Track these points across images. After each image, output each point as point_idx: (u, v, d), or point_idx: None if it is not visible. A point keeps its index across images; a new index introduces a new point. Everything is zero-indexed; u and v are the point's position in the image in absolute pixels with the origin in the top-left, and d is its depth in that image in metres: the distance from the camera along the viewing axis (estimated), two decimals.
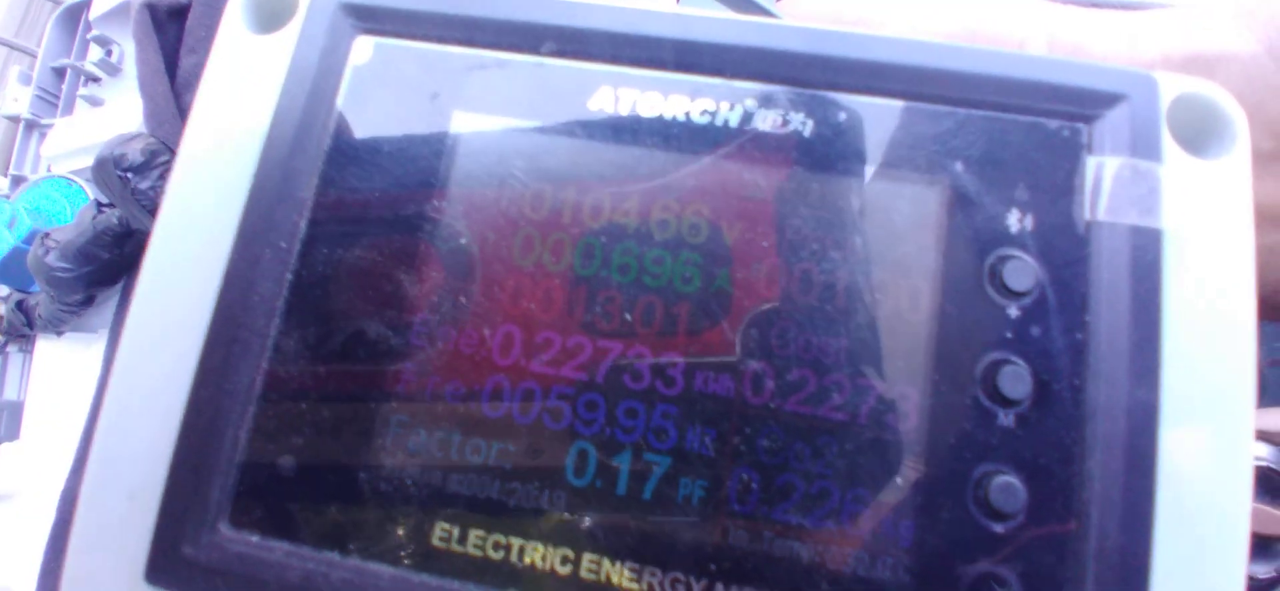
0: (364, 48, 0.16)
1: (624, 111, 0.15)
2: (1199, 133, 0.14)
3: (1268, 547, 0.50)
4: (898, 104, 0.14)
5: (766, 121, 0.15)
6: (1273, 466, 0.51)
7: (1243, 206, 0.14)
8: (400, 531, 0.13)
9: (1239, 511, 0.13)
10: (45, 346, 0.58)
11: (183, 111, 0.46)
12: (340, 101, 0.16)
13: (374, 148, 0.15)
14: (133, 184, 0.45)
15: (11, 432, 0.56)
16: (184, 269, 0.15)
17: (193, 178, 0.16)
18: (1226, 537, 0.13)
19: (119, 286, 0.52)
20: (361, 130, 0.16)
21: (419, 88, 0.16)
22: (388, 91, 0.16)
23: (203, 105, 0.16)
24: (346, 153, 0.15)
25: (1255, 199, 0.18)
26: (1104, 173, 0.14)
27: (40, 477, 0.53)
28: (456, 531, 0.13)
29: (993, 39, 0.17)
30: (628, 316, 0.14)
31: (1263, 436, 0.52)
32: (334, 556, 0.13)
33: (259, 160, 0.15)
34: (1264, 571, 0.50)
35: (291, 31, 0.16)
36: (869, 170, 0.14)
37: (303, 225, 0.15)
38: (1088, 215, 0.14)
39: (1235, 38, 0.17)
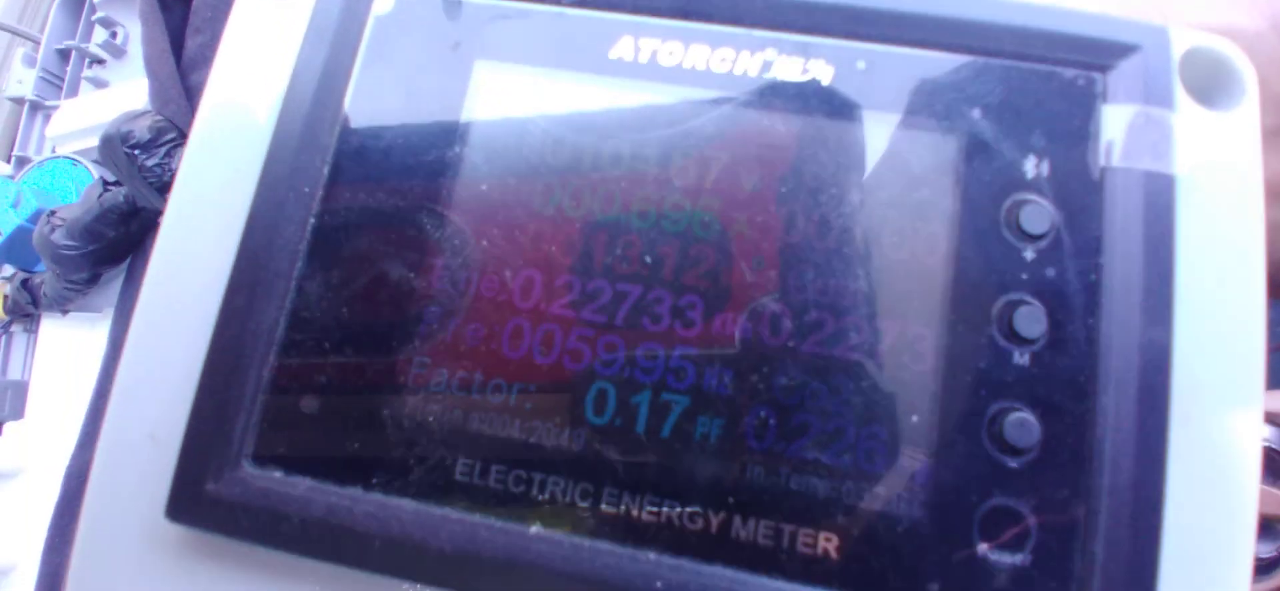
0: None
1: (644, 60, 0.15)
2: (1210, 85, 0.15)
3: (1269, 528, 0.51)
4: (916, 52, 0.14)
5: (785, 70, 0.15)
6: (1275, 447, 0.51)
7: (1252, 156, 0.14)
8: (422, 467, 0.13)
9: (1251, 446, 0.13)
10: (50, 326, 0.58)
11: (189, 91, 0.46)
12: (362, 50, 0.16)
13: (396, 96, 0.15)
14: (139, 160, 0.45)
15: (17, 411, 0.57)
16: (208, 212, 0.15)
17: (217, 124, 0.16)
18: (1238, 470, 0.13)
19: (124, 265, 0.52)
20: (383, 79, 0.16)
21: (441, 37, 0.16)
22: (409, 41, 0.16)
23: (224, 57, 0.17)
24: (368, 99, 0.15)
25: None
26: (1118, 120, 0.14)
27: (45, 455, 0.53)
28: (478, 466, 0.13)
29: None
30: (647, 260, 0.14)
31: (1266, 418, 0.52)
32: (357, 491, 0.13)
33: (282, 107, 0.15)
34: (1266, 551, 0.50)
35: None
36: (887, 117, 0.14)
37: (325, 170, 0.15)
38: (1102, 160, 0.14)
39: (1240, 13, 0.18)
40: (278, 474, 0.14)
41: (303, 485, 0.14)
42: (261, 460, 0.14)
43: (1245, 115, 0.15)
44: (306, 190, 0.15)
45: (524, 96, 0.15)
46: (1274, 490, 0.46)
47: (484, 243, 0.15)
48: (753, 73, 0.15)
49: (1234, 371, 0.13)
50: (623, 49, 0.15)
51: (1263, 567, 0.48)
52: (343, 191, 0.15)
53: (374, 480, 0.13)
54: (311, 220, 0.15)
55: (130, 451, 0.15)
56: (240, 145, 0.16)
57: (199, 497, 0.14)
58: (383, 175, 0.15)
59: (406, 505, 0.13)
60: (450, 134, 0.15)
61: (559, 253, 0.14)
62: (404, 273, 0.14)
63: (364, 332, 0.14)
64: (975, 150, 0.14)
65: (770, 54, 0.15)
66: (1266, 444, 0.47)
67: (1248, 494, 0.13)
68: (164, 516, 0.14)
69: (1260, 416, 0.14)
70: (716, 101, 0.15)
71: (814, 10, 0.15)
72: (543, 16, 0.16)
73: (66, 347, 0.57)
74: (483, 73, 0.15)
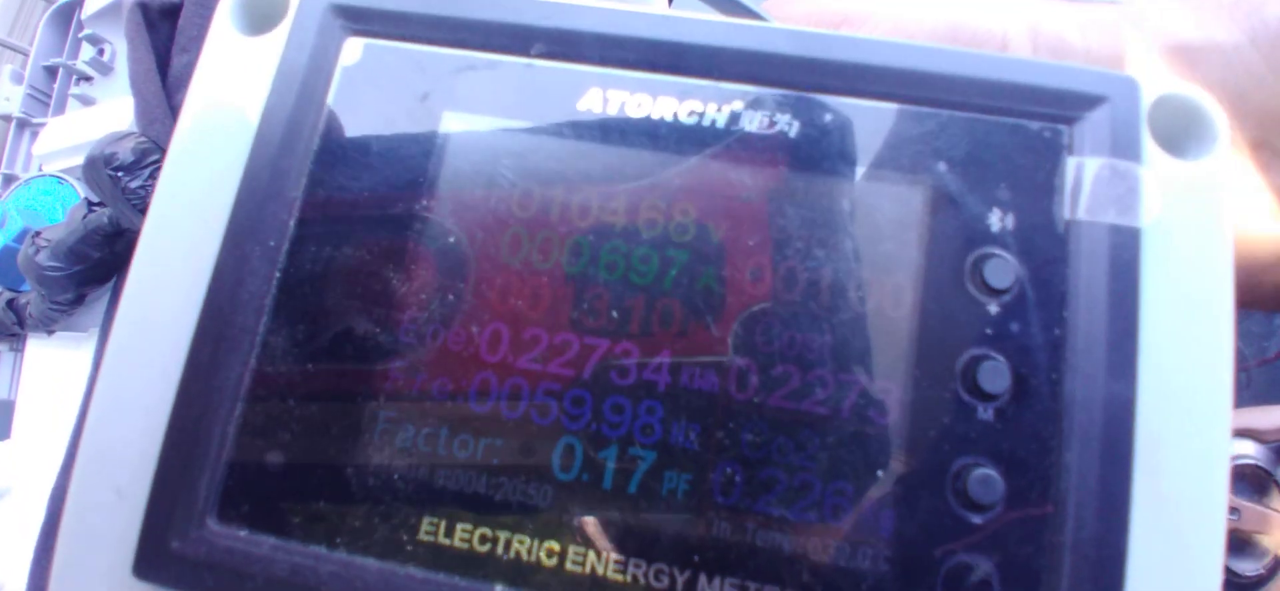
0: (354, 49, 0.16)
1: (613, 112, 0.15)
2: (1180, 133, 0.15)
3: (1255, 545, 0.51)
4: (882, 105, 0.14)
5: (753, 123, 0.15)
6: (1260, 465, 0.51)
7: (1222, 206, 0.14)
8: (387, 525, 0.13)
9: (1216, 502, 0.13)
10: (36, 346, 0.58)
11: (174, 110, 0.46)
12: (330, 101, 0.16)
13: (363, 147, 0.15)
14: (123, 182, 0.45)
15: (3, 432, 0.56)
16: (173, 266, 0.15)
17: (182, 176, 0.16)
18: (1204, 528, 0.13)
19: (109, 285, 0.52)
20: (351, 130, 0.16)
21: (409, 88, 0.16)
22: (377, 92, 0.16)
23: (192, 105, 0.16)
24: (336, 152, 0.15)
25: (1238, 188, 0.18)
26: (1084, 173, 0.14)
27: (31, 476, 0.53)
28: (443, 525, 0.13)
29: (975, 33, 0.17)
30: (614, 314, 0.14)
31: (1251, 434, 0.52)
32: (321, 550, 0.13)
33: (248, 159, 0.15)
34: (1251, 568, 0.50)
35: (281, 33, 0.16)
36: (854, 170, 0.14)
37: (291, 223, 0.15)
38: (1068, 214, 0.14)
39: (1218, 28, 0.18)
40: (242, 532, 0.14)
41: (267, 544, 0.13)
42: (226, 518, 0.14)
43: (1216, 163, 0.15)
44: (272, 244, 0.15)
45: (492, 148, 0.15)
46: (1259, 508, 0.46)
47: (450, 296, 0.14)
48: (720, 125, 0.15)
49: (1199, 425, 0.13)
50: (591, 101, 0.15)
51: (1249, 585, 0.48)
52: (308, 245, 0.15)
53: (338, 539, 0.13)
54: (277, 274, 0.15)
55: (99, 506, 0.15)
56: (206, 196, 0.16)
57: (165, 555, 0.14)
58: (349, 228, 0.15)
59: (370, 564, 0.13)
60: (418, 186, 0.15)
61: (526, 306, 0.14)
62: (370, 327, 0.14)
63: (329, 388, 0.14)
64: (940, 203, 0.14)
65: (737, 106, 0.15)
66: (1252, 461, 0.47)
67: (1212, 548, 0.13)
68: (131, 574, 0.14)
69: (1227, 466, 0.14)
70: (684, 154, 0.15)
71: (781, 63, 0.15)
72: (511, 68, 0.16)
73: (52, 368, 0.57)
74: (451, 123, 0.15)
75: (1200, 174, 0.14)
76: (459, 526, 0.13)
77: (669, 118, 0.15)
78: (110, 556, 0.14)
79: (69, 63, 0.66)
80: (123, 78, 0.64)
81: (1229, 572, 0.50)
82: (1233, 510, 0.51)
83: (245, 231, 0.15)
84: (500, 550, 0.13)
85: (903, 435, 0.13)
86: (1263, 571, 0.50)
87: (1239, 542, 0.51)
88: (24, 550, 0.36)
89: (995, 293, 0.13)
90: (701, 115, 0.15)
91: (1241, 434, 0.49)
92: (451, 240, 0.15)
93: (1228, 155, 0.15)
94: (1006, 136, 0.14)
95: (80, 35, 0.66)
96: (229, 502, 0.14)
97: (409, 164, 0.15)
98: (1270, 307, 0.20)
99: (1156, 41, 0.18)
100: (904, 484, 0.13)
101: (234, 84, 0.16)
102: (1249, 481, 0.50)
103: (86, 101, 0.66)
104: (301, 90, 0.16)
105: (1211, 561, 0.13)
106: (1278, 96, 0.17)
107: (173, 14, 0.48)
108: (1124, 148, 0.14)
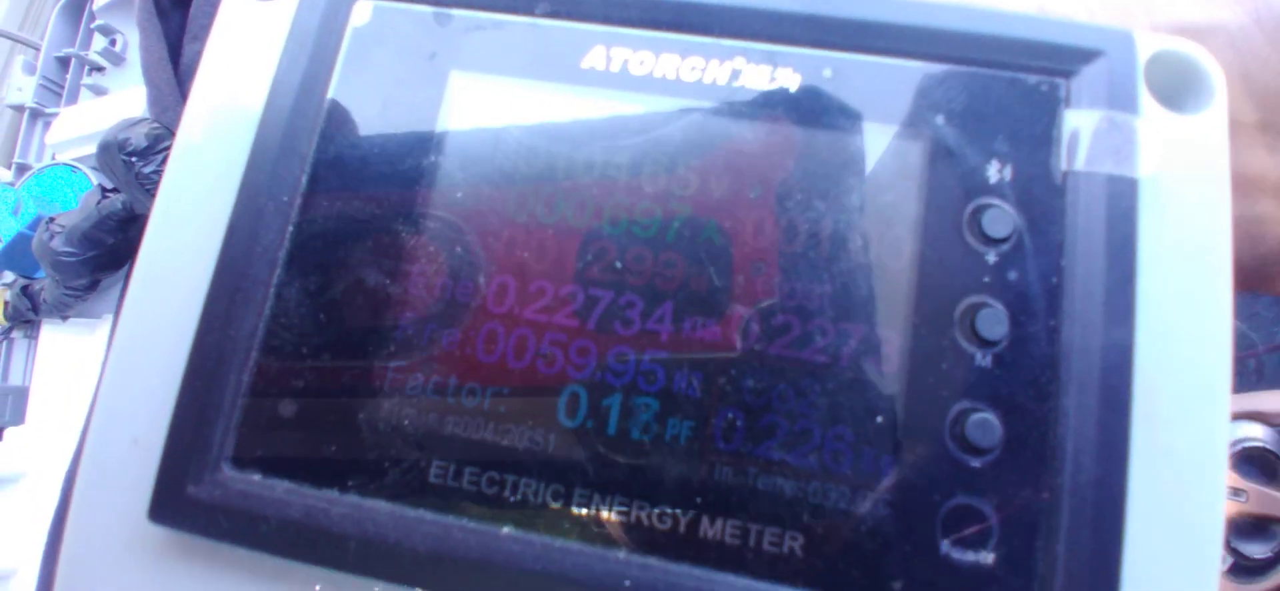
0: (364, 10, 0.16)
1: (616, 69, 0.15)
2: (1176, 88, 0.15)
3: (1265, 528, 0.50)
4: (882, 60, 0.15)
5: (754, 78, 0.15)
6: (1268, 447, 0.51)
7: (1219, 158, 0.14)
8: (397, 469, 0.14)
9: (1217, 445, 0.13)
10: (50, 332, 0.58)
11: (186, 97, 0.47)
12: (340, 62, 0.16)
13: (373, 106, 0.16)
14: (136, 167, 0.46)
15: (17, 417, 0.57)
16: (189, 221, 0.16)
17: (198, 135, 0.16)
18: (1203, 469, 0.13)
19: (123, 272, 0.52)
20: (361, 89, 0.16)
21: (417, 48, 0.16)
22: (386, 51, 0.16)
23: (207, 68, 0.17)
24: (346, 110, 0.16)
25: (1240, 168, 0.18)
26: (1082, 125, 0.14)
27: (46, 461, 0.54)
28: (452, 468, 0.14)
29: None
30: (618, 265, 0.14)
31: (1259, 417, 0.52)
32: (333, 493, 0.14)
33: (262, 117, 0.16)
34: (1260, 551, 0.50)
35: None
36: (853, 124, 0.14)
37: (303, 179, 0.15)
38: (1064, 165, 0.14)
39: (1223, 8, 0.18)
40: (257, 477, 0.14)
41: (280, 488, 0.14)
42: (241, 463, 0.14)
43: (1213, 117, 0.15)
44: (285, 199, 0.15)
45: (498, 106, 0.16)
46: (1267, 490, 0.46)
47: (458, 249, 0.15)
48: (721, 81, 0.15)
49: (1198, 371, 0.13)
50: (594, 58, 0.16)
51: (1259, 567, 0.48)
52: (320, 200, 0.15)
53: (350, 482, 0.14)
54: (290, 228, 0.15)
55: (115, 455, 0.15)
56: (221, 155, 0.16)
57: (180, 500, 0.14)
58: (360, 184, 0.15)
59: (382, 506, 0.13)
60: (426, 143, 0.15)
61: (533, 259, 0.15)
62: (380, 279, 0.15)
63: (341, 338, 0.14)
64: (939, 156, 0.14)
65: (739, 62, 0.15)
66: (1261, 445, 0.47)
67: (1213, 492, 0.13)
68: (147, 518, 0.14)
69: (1227, 416, 0.14)
70: (686, 110, 0.15)
71: (782, 19, 0.15)
72: (517, 27, 0.16)
73: (66, 353, 0.58)
74: (458, 82, 0.16)
75: (1197, 128, 0.15)
76: (467, 470, 0.14)
77: (671, 75, 0.15)
78: (126, 502, 0.15)
79: (81, 53, 0.67)
80: (134, 67, 0.65)
81: (1237, 554, 0.49)
82: (1240, 492, 0.50)
83: (259, 187, 0.15)
84: (507, 493, 0.13)
85: (902, 381, 0.13)
86: (1270, 554, 0.50)
87: (1247, 525, 0.51)
88: (38, 534, 0.37)
89: (993, 242, 0.14)
90: (703, 72, 0.15)
91: (1250, 417, 0.49)
92: (459, 195, 0.15)
93: (1224, 110, 0.15)
94: (1004, 90, 0.14)
95: (92, 26, 0.67)
96: (244, 448, 0.14)
97: (417, 122, 0.15)
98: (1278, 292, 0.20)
99: (1162, 21, 0.18)
100: (903, 429, 0.13)
101: (248, 46, 0.17)
102: (1257, 464, 0.50)
103: (98, 91, 0.67)
104: (313, 51, 0.16)
105: (1212, 505, 0.13)
106: None
107: (184, 2, 0.48)
108: (1121, 100, 0.14)
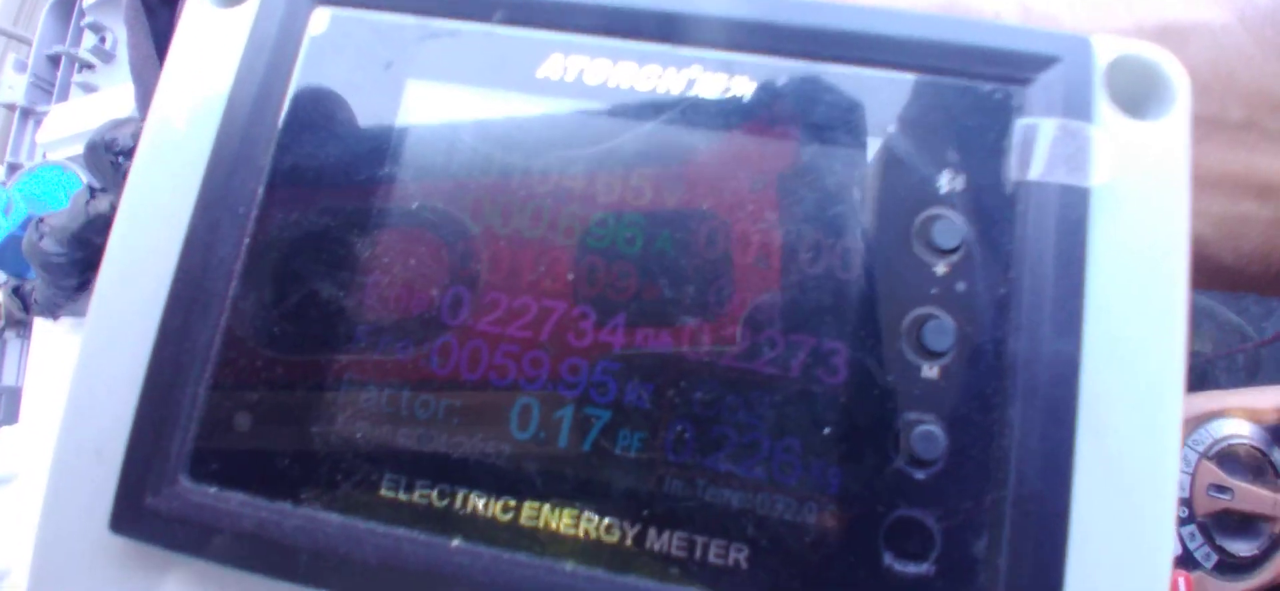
0: (321, 19, 0.16)
1: (571, 78, 0.15)
2: (1137, 94, 0.15)
3: (1251, 526, 0.50)
4: (834, 68, 0.15)
5: (708, 87, 0.15)
6: (1257, 445, 0.51)
7: (1179, 165, 0.14)
8: (350, 482, 0.14)
9: (1166, 462, 0.13)
10: (42, 331, 0.59)
11: None
12: (297, 71, 0.16)
13: (329, 116, 0.16)
14: (124, 167, 0.46)
15: (10, 416, 0.57)
16: (148, 235, 0.16)
17: (157, 148, 0.16)
18: (1152, 481, 0.13)
19: None
20: (317, 99, 0.16)
21: (373, 57, 0.16)
22: (343, 61, 0.16)
23: (167, 79, 0.17)
24: (303, 121, 0.16)
25: (1223, 167, 0.18)
26: (1035, 133, 0.14)
27: (38, 461, 0.54)
28: (403, 481, 0.14)
29: (969, 7, 0.17)
30: (571, 277, 0.14)
31: (1249, 415, 0.52)
32: (287, 506, 0.14)
33: (220, 128, 0.16)
34: (1246, 549, 0.50)
35: (252, 5, 0.17)
36: (805, 133, 0.14)
37: (260, 191, 0.15)
38: (1017, 175, 0.14)
39: (1207, 7, 0.18)
40: (212, 489, 0.14)
41: (235, 500, 0.14)
42: (197, 475, 0.14)
43: (1173, 123, 0.15)
44: (242, 211, 0.15)
45: (454, 114, 0.16)
46: (1255, 489, 0.46)
47: (413, 261, 0.15)
48: (677, 90, 0.15)
49: (1148, 380, 0.13)
50: (551, 67, 0.15)
51: (1245, 565, 0.48)
52: (276, 212, 0.15)
53: (303, 495, 0.14)
54: (246, 240, 0.15)
55: (79, 465, 0.15)
56: (180, 165, 0.16)
57: (140, 511, 0.14)
58: (315, 195, 0.15)
59: (333, 519, 0.14)
60: (382, 153, 0.15)
61: (487, 270, 0.15)
62: (335, 291, 0.15)
63: (295, 351, 0.15)
64: (890, 165, 0.14)
65: (695, 71, 0.15)
66: (1249, 442, 0.47)
67: (1162, 504, 0.13)
68: (108, 529, 0.14)
69: (1178, 424, 0.14)
70: (641, 119, 0.15)
71: (738, 28, 0.15)
72: (473, 35, 0.16)
73: (58, 353, 0.58)
74: (414, 91, 0.16)
75: (1157, 134, 0.15)
76: (419, 483, 0.14)
77: (627, 84, 0.15)
78: (90, 513, 0.15)
79: (71, 51, 0.67)
80: (124, 65, 0.65)
81: (1223, 552, 0.50)
82: (1228, 490, 0.50)
83: (216, 199, 0.15)
84: (458, 505, 0.14)
85: (849, 393, 0.13)
86: (1257, 552, 0.50)
87: (1234, 523, 0.51)
88: (30, 534, 0.37)
89: (943, 253, 0.13)
90: (659, 81, 0.15)
91: (1239, 414, 0.49)
92: (414, 206, 0.15)
93: (1186, 116, 0.15)
94: (957, 98, 0.14)
95: (82, 23, 0.67)
96: (200, 460, 0.14)
97: (373, 132, 0.15)
98: (1263, 291, 0.19)
99: (1146, 20, 0.18)
100: (849, 441, 0.13)
101: (207, 55, 0.17)
102: (1244, 462, 0.50)
103: (89, 89, 0.67)
104: (271, 60, 0.16)
105: (1161, 521, 0.13)
106: (1266, 76, 0.17)
107: (172, 0, 0.48)
108: (1076, 108, 0.14)
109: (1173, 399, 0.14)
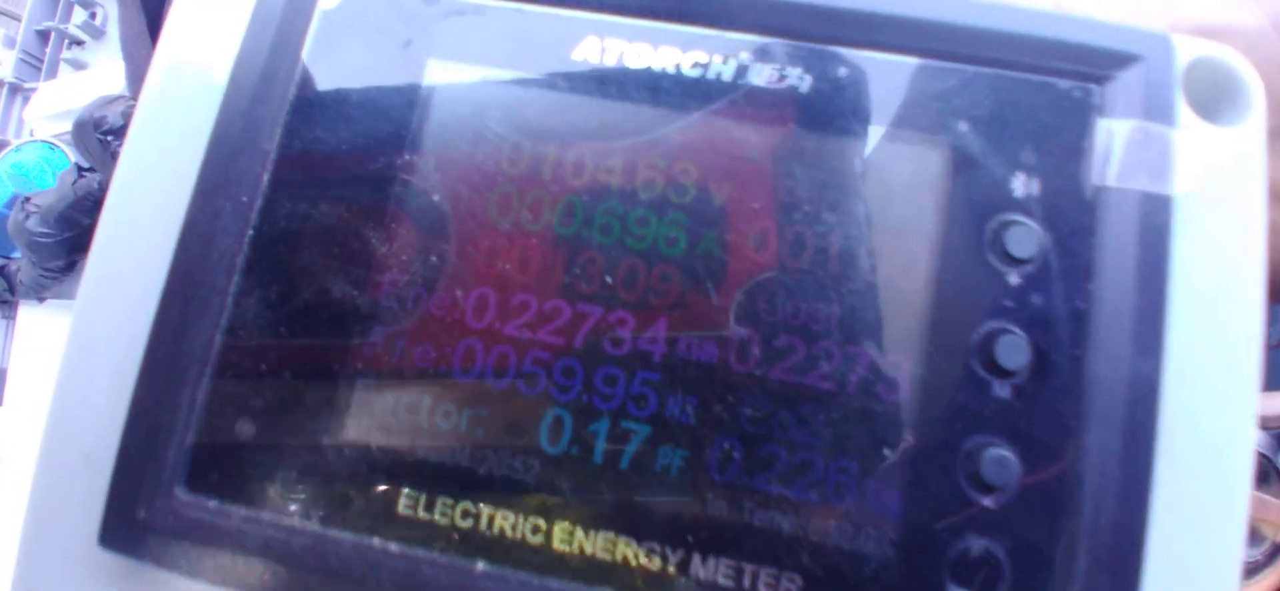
0: None
1: (610, 63, 0.14)
2: (1214, 98, 0.14)
3: (1255, 532, 0.50)
4: (901, 59, 0.13)
5: (762, 76, 0.14)
6: (1261, 452, 0.51)
7: (1256, 175, 0.13)
8: (364, 498, 0.13)
9: (1239, 490, 0.12)
10: (27, 313, 0.57)
11: None
12: (307, 48, 0.15)
13: (342, 97, 0.14)
14: (113, 147, 0.44)
15: None
16: (140, 222, 0.14)
17: (151, 127, 0.15)
18: (1225, 516, 0.12)
19: None
20: (329, 79, 0.15)
21: (391, 34, 0.15)
22: (357, 38, 0.15)
23: (163, 53, 0.15)
24: (313, 102, 0.14)
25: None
26: (1115, 136, 0.13)
27: (23, 444, 0.53)
28: (423, 499, 0.13)
29: None
30: (608, 279, 0.13)
31: (1259, 421, 0.51)
32: (294, 523, 0.13)
33: (220, 108, 0.14)
34: (1251, 555, 0.50)
35: None
36: (868, 129, 0.13)
37: (265, 178, 0.14)
38: (1096, 180, 0.13)
39: (1242, 11, 0.17)
40: (212, 502, 0.13)
41: (237, 515, 0.13)
42: (195, 486, 0.13)
43: (1250, 131, 0.14)
44: (244, 199, 0.14)
45: (480, 100, 0.14)
46: (1259, 494, 0.46)
47: (434, 258, 0.14)
48: (726, 79, 0.14)
49: (1226, 406, 0.12)
50: (587, 50, 0.14)
51: (1247, 571, 0.48)
52: (283, 200, 0.14)
53: (312, 512, 0.13)
54: (249, 231, 0.14)
55: (66, 470, 0.14)
56: (176, 148, 0.15)
57: (131, 525, 0.13)
58: (327, 184, 0.14)
59: (346, 538, 0.12)
60: (400, 139, 0.14)
61: (515, 269, 0.13)
62: (348, 289, 0.14)
63: (304, 354, 0.13)
64: (961, 166, 0.13)
65: (745, 59, 0.14)
66: (1255, 448, 0.47)
67: (1232, 537, 0.12)
68: (97, 543, 0.13)
69: (1252, 454, 0.13)
70: (686, 109, 0.14)
71: (794, 12, 0.14)
72: (501, 13, 0.14)
73: (44, 335, 0.56)
74: (435, 73, 0.14)
75: (1235, 141, 0.14)
76: (440, 500, 0.13)
77: (671, 69, 0.14)
78: (77, 525, 0.14)
79: (61, 26, 0.65)
80: (115, 41, 0.62)
81: None
82: None
83: (216, 185, 0.14)
84: (483, 526, 0.12)
85: (912, 412, 0.12)
86: (1260, 557, 0.50)
87: None
88: (16, 517, 0.36)
89: (1017, 262, 0.12)
90: (706, 67, 0.14)
91: None
92: (435, 198, 0.14)
93: (1262, 123, 0.14)
94: (1033, 95, 0.13)
95: None
96: (198, 471, 0.13)
97: (390, 116, 0.14)
98: (1274, 298, 0.19)
99: (1180, 22, 0.17)
100: (912, 463, 0.12)
101: (206, 29, 0.15)
102: (1254, 469, 0.50)
103: (78, 65, 0.65)
104: (277, 35, 0.15)
105: (1231, 551, 0.12)
106: None
107: None
108: (1158, 110, 0.13)
109: (1246, 425, 0.13)
